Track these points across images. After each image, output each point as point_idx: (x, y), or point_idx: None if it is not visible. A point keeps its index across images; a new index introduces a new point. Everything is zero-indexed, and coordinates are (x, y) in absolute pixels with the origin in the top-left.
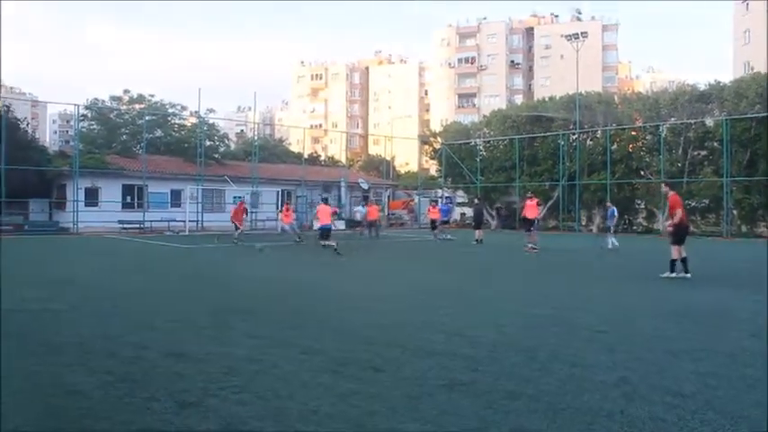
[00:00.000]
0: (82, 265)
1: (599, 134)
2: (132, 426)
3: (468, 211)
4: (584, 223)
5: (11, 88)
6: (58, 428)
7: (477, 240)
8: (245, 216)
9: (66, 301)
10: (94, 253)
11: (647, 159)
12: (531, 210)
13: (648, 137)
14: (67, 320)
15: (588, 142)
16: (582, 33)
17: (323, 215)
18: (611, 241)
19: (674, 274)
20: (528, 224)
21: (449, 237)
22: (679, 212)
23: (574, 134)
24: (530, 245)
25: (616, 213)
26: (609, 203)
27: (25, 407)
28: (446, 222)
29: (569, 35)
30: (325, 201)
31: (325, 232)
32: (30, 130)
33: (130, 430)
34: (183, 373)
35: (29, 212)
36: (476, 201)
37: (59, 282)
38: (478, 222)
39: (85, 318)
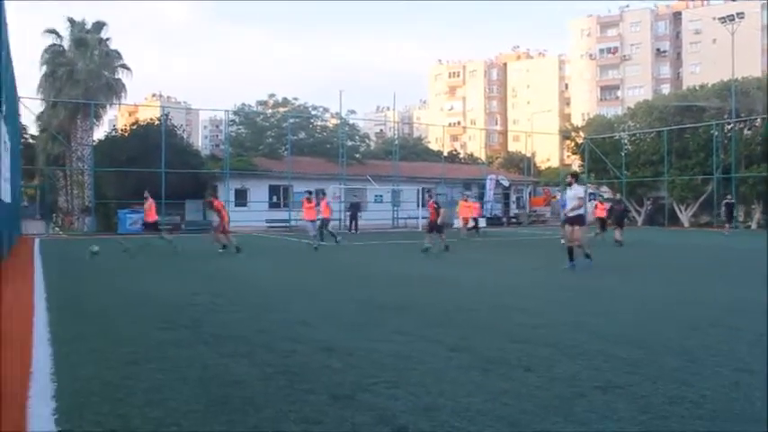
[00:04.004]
0: (236, 262)
1: (758, 122)
2: (291, 415)
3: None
4: (741, 219)
5: (168, 98)
6: (224, 414)
7: (616, 241)
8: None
9: (226, 296)
10: (246, 250)
11: None
12: None
13: None
14: (229, 314)
15: (745, 132)
16: (738, 14)
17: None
18: None
19: None
20: None
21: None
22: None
23: (729, 124)
24: None
25: None
26: None
27: (192, 393)
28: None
29: (723, 17)
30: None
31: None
32: (185, 136)
33: (290, 419)
34: (336, 367)
35: (185, 213)
36: (616, 197)
37: (218, 277)
38: (618, 221)
39: (245, 312)
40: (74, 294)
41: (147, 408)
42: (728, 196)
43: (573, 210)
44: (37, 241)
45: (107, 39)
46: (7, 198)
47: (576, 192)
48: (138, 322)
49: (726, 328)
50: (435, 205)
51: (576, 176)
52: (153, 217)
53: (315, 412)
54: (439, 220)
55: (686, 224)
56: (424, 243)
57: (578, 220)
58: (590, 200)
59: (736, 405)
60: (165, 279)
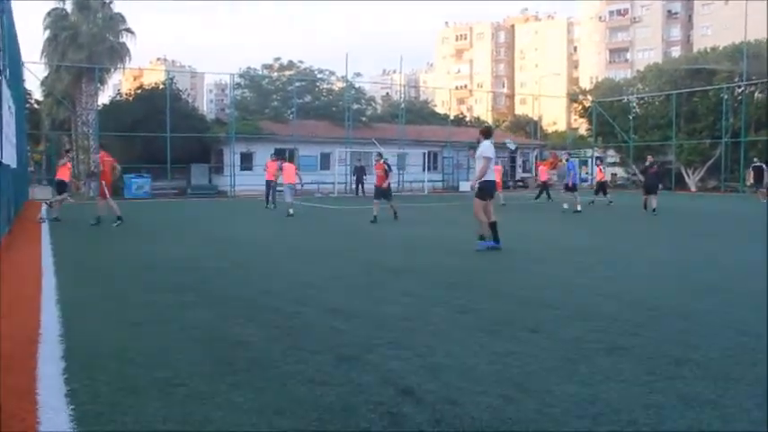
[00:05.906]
0: (242, 225)
1: None
2: (298, 376)
3: (619, 172)
4: (749, 183)
5: (173, 62)
6: (230, 375)
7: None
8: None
9: (231, 260)
10: (252, 214)
11: None
12: None
13: None
14: (234, 277)
15: (756, 95)
16: None
17: None
18: None
19: None
20: None
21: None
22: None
23: (739, 87)
24: None
25: None
26: None
27: (198, 354)
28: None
29: None
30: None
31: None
32: (190, 100)
33: (295, 380)
34: (341, 328)
35: (190, 177)
36: (648, 160)
37: (224, 241)
38: (651, 188)
39: (250, 275)
40: (81, 258)
41: (154, 368)
42: (755, 159)
43: (480, 176)
44: (44, 206)
45: (110, 2)
46: (13, 163)
47: (481, 150)
48: (145, 285)
49: (735, 293)
50: (385, 167)
51: (487, 132)
52: (66, 176)
53: (320, 373)
54: (385, 185)
55: (693, 188)
56: (373, 212)
57: (481, 191)
58: (596, 164)
59: (740, 368)
60: (170, 243)
